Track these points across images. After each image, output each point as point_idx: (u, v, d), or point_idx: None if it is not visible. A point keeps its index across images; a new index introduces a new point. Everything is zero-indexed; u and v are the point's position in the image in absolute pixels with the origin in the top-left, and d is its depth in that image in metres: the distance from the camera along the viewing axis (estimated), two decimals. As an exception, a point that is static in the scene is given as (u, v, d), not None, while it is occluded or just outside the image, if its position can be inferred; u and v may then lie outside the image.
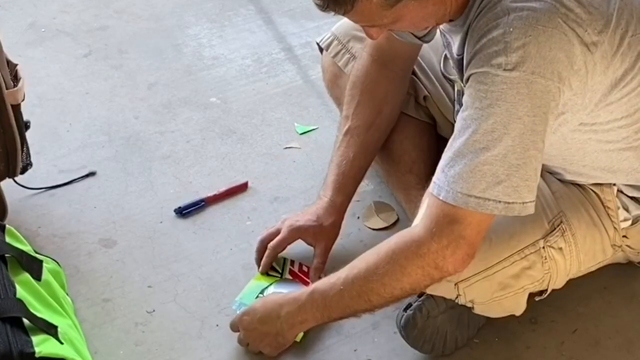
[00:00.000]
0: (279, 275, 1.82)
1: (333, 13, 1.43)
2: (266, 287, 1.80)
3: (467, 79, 1.44)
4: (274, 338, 1.66)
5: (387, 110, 1.86)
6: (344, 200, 1.84)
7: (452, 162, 1.42)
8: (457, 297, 1.60)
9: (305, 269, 1.84)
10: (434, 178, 1.46)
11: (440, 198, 1.43)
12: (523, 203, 1.42)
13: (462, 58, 1.51)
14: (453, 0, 1.46)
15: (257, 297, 1.77)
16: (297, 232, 1.82)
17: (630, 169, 1.62)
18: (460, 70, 1.55)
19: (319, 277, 1.77)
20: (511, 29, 1.38)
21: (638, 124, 1.55)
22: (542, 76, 1.38)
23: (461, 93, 1.53)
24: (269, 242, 1.82)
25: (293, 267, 1.84)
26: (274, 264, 1.83)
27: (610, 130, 1.54)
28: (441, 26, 1.55)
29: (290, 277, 1.82)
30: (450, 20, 1.51)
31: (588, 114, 1.49)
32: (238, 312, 1.74)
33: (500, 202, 1.41)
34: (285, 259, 1.85)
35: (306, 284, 1.79)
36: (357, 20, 1.49)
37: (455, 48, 1.56)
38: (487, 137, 1.39)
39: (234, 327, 1.71)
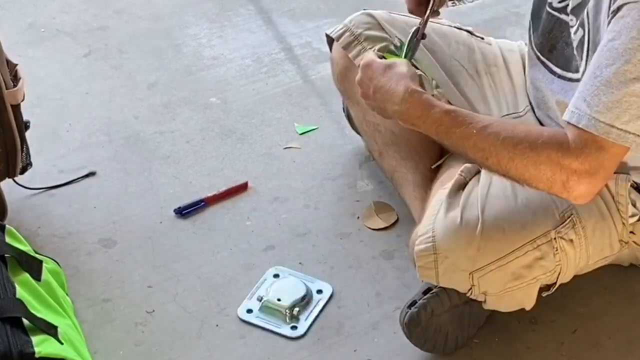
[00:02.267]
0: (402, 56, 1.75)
1: None
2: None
3: (618, 8, 1.41)
4: (383, 89, 1.60)
5: None
6: None
7: (599, 90, 1.40)
8: (470, 289, 1.61)
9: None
10: (572, 107, 1.44)
11: (580, 126, 1.42)
12: None
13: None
14: None
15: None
16: None
17: None
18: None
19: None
20: None
21: None
22: None
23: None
24: None
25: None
26: (403, 42, 1.77)
27: None
28: None
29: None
30: None
31: None
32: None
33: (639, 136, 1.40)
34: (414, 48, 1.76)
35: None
36: None
37: None
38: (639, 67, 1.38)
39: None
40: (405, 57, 1.72)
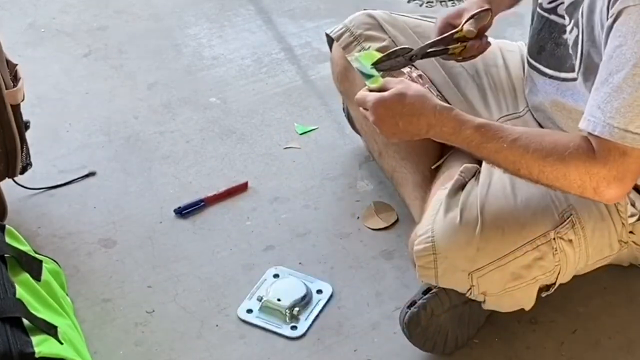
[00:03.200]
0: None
1: None
2: (379, 62, 1.69)
3: (619, 13, 1.42)
4: (410, 118, 1.56)
5: None
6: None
7: (610, 97, 1.42)
8: (470, 289, 1.61)
9: (421, 81, 1.78)
10: (587, 115, 1.45)
11: (596, 133, 1.43)
12: None
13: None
14: None
15: (371, 64, 1.68)
16: (444, 20, 1.76)
17: None
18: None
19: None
20: None
21: None
22: None
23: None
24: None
25: (412, 73, 1.78)
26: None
27: None
28: None
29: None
30: None
31: None
32: (353, 62, 1.69)
33: None
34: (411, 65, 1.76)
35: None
36: None
37: None
38: None
39: (363, 99, 1.60)
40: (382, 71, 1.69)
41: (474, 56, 1.79)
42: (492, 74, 1.90)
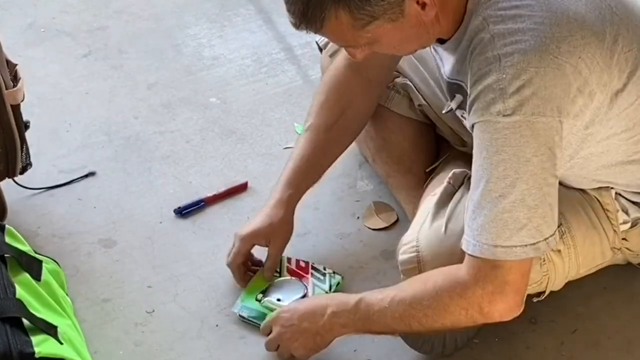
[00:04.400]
0: (278, 275, 1.82)
1: (306, 31, 1.44)
2: (267, 288, 1.79)
3: (472, 128, 1.45)
4: (312, 337, 1.63)
5: (352, 115, 1.84)
6: (292, 194, 1.81)
7: (474, 214, 1.44)
8: None
9: (302, 264, 1.84)
10: (464, 235, 1.46)
11: (469, 252, 1.45)
12: (545, 240, 1.43)
13: (454, 82, 1.54)
14: (435, 23, 1.45)
15: (257, 298, 1.77)
16: (247, 240, 1.80)
17: (631, 180, 1.63)
18: (450, 92, 1.58)
19: (271, 276, 1.79)
20: (504, 75, 1.39)
21: (638, 136, 1.55)
22: (542, 115, 1.39)
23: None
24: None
25: (290, 264, 1.84)
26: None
27: (611, 145, 1.55)
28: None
29: (289, 276, 1.82)
30: (442, 42, 1.51)
31: (586, 129, 1.49)
32: (240, 313, 1.75)
33: (526, 245, 1.42)
34: (281, 258, 1.84)
35: (305, 279, 1.80)
36: (333, 39, 1.50)
37: (446, 70, 1.57)
38: (500, 184, 1.40)
39: (266, 329, 1.67)
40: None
41: None
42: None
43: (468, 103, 1.46)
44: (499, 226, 1.41)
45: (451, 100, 1.60)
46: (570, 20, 1.41)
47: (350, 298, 1.60)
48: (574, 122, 1.44)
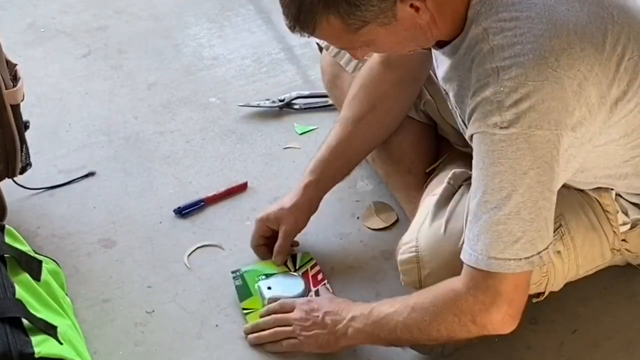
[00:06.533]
0: (294, 268, 1.84)
1: (300, 35, 1.44)
2: (273, 274, 1.81)
3: (470, 138, 1.45)
4: (327, 335, 1.63)
5: (383, 110, 1.84)
6: (311, 181, 1.83)
7: (471, 224, 1.44)
8: None
9: (320, 277, 1.83)
10: (464, 245, 1.46)
11: (465, 261, 1.45)
12: (539, 254, 1.43)
13: (445, 91, 1.56)
14: (432, 26, 1.45)
15: (260, 278, 1.79)
16: (259, 223, 1.85)
17: (628, 184, 1.63)
18: (444, 92, 1.59)
19: (281, 260, 1.82)
20: (502, 88, 1.38)
21: (636, 141, 1.55)
22: (539, 128, 1.38)
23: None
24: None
25: (311, 270, 1.84)
26: (298, 257, 1.86)
27: (609, 151, 1.55)
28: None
29: (299, 274, 1.82)
30: (441, 45, 1.51)
31: (588, 141, 1.49)
32: (233, 277, 1.80)
33: (520, 259, 1.42)
34: (310, 260, 1.85)
35: (313, 285, 1.81)
36: (328, 42, 1.50)
37: (440, 72, 1.57)
38: (496, 196, 1.40)
39: (286, 306, 1.70)
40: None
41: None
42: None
43: (467, 113, 1.46)
44: (493, 238, 1.41)
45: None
46: (570, 32, 1.40)
47: (369, 304, 1.61)
48: (573, 135, 1.43)
